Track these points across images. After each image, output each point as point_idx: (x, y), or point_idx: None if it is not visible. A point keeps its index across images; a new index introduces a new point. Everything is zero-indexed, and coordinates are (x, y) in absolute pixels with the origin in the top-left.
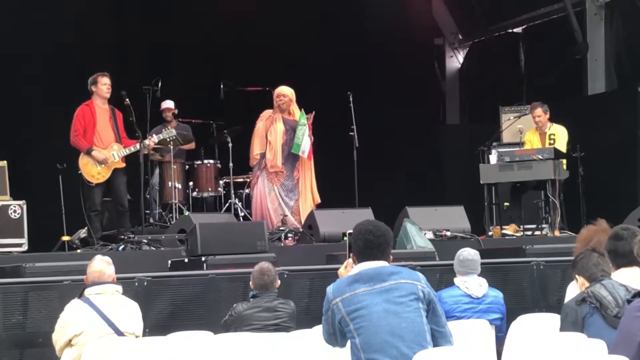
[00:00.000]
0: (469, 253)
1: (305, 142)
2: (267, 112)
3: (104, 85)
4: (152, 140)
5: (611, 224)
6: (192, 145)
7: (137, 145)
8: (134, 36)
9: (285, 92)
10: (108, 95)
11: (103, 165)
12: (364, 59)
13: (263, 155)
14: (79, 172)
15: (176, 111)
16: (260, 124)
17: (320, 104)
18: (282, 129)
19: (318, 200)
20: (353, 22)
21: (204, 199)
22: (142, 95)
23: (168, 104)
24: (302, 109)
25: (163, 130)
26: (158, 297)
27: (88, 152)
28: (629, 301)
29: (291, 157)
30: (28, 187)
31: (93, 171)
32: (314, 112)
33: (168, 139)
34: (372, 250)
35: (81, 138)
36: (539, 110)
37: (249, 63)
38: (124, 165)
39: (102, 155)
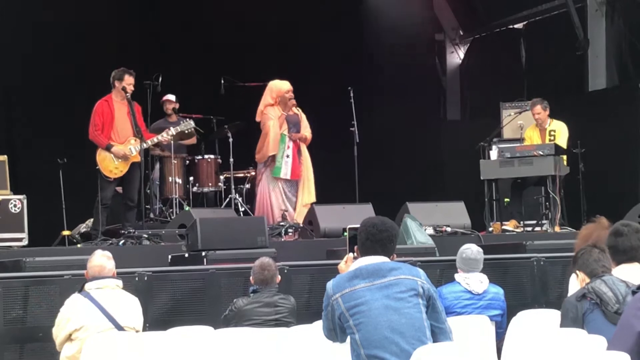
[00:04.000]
0: (472, 252)
1: (284, 163)
2: (274, 110)
3: (129, 84)
4: (170, 133)
5: (612, 221)
6: (193, 140)
7: (155, 139)
8: (134, 31)
9: (290, 86)
10: (129, 95)
11: (120, 160)
12: (364, 54)
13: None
14: (97, 167)
15: (177, 106)
16: (272, 123)
17: (320, 99)
18: (286, 129)
19: (314, 199)
20: (354, 17)
21: (205, 194)
22: (143, 90)
23: (169, 96)
24: (290, 131)
25: (181, 122)
26: (158, 292)
27: (107, 149)
28: (633, 292)
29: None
30: (28, 182)
31: (111, 166)
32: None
33: (187, 131)
34: (373, 243)
35: (100, 134)
36: (538, 107)
37: (249, 58)
38: (139, 159)
39: (122, 151)
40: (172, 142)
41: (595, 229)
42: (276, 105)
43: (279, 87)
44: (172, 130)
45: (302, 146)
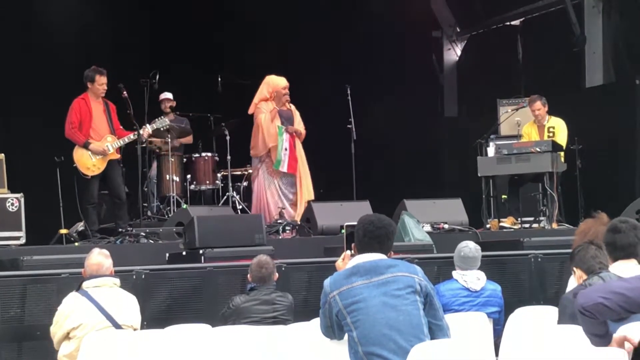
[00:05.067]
0: (470, 250)
1: (283, 157)
2: (267, 105)
3: (101, 85)
4: (147, 130)
5: (610, 217)
6: (189, 139)
7: (131, 136)
8: (132, 28)
9: (287, 83)
10: (103, 95)
11: (98, 157)
12: (361, 51)
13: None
14: (74, 165)
15: (174, 104)
16: (263, 117)
17: (318, 96)
18: (279, 123)
19: (312, 196)
20: (351, 15)
21: (202, 192)
22: (140, 87)
23: (167, 95)
24: (283, 125)
25: (157, 119)
26: (156, 290)
27: (85, 146)
28: None
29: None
30: (26, 180)
31: (88, 163)
32: (299, 131)
33: (162, 128)
34: (371, 240)
35: (77, 131)
36: (538, 104)
37: (247, 56)
38: (119, 156)
39: (100, 147)
40: (169, 140)
41: (594, 225)
42: (270, 100)
43: (276, 82)
44: (149, 128)
45: (297, 141)
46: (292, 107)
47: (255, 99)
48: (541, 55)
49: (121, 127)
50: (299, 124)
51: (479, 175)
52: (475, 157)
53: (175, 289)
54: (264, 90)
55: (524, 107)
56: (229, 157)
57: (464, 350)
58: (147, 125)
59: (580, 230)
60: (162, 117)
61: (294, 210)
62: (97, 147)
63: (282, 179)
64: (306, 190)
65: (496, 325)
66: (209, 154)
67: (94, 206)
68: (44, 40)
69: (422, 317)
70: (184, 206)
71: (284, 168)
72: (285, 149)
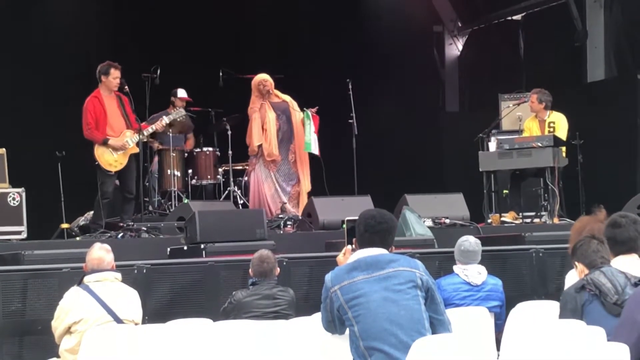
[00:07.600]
0: (470, 244)
1: (313, 140)
2: (257, 102)
3: (115, 78)
4: (164, 121)
5: (610, 212)
6: (191, 136)
7: (149, 129)
8: (133, 23)
9: (266, 77)
10: (116, 89)
11: (120, 152)
12: (363, 46)
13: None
14: (96, 162)
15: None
16: (255, 115)
17: (319, 91)
18: (274, 115)
19: (309, 187)
20: (352, 9)
21: (203, 187)
22: (141, 82)
23: (183, 93)
24: (305, 108)
25: (172, 111)
26: (157, 284)
27: (104, 143)
28: (636, 284)
29: (285, 142)
30: (27, 175)
31: (110, 159)
32: (316, 107)
33: (178, 119)
34: (372, 235)
35: (94, 130)
36: (534, 97)
37: (248, 51)
38: (138, 150)
39: (119, 142)
40: (170, 134)
41: (589, 222)
42: (258, 97)
43: (255, 79)
44: (166, 119)
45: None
46: (287, 97)
47: (251, 101)
48: (542, 50)
49: (137, 119)
50: (299, 113)
51: (480, 170)
52: (477, 151)
53: (177, 284)
54: (253, 91)
55: (526, 102)
56: (230, 152)
57: (465, 344)
58: (164, 117)
59: (576, 228)
60: (178, 107)
61: (292, 203)
62: (116, 143)
63: (278, 172)
64: (307, 181)
65: (497, 319)
66: (210, 149)
67: (108, 201)
68: (45, 34)
69: (423, 311)
70: (185, 201)
71: (315, 150)
72: (313, 132)
